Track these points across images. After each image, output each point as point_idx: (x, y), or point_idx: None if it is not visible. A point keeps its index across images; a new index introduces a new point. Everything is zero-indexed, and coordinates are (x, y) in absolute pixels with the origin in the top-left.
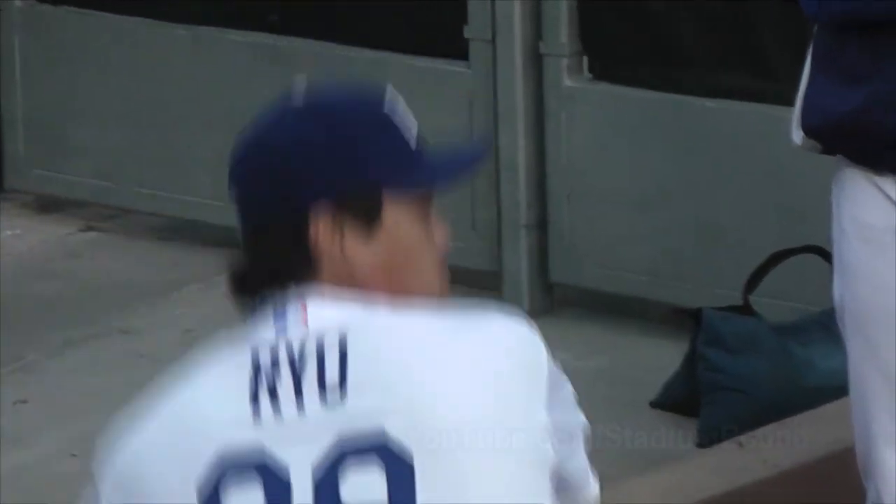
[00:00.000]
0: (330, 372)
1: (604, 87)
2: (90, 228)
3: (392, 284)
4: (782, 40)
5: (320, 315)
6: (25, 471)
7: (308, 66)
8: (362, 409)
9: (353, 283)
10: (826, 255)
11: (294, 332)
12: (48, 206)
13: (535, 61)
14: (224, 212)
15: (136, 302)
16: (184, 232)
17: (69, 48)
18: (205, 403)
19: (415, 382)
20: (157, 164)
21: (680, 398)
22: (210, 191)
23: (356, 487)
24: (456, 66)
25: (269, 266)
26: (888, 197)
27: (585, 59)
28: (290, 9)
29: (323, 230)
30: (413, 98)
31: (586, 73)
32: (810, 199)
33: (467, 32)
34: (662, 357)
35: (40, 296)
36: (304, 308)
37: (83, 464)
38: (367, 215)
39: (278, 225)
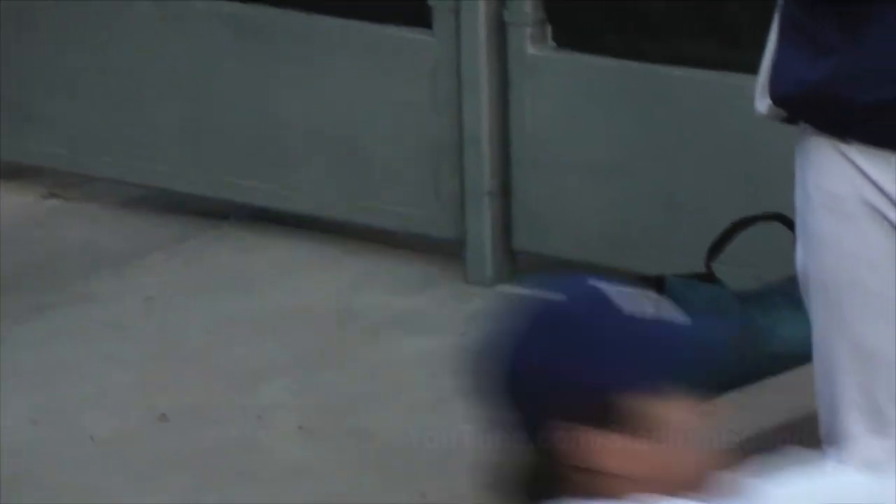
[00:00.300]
0: None
1: (568, 56)
2: (54, 196)
3: None
4: (748, 9)
5: None
6: None
7: (272, 36)
8: None
9: None
10: (789, 223)
11: None
12: (14, 174)
13: (499, 30)
14: (186, 180)
15: (100, 270)
16: (147, 200)
17: (37, 23)
18: None
19: None
20: (122, 133)
21: None
22: (173, 160)
23: None
24: (420, 35)
25: None
26: (854, 165)
27: (549, 28)
28: None
29: None
30: (377, 67)
31: (550, 42)
32: (773, 167)
33: (431, 0)
34: None
35: (4, 264)
36: None
37: (45, 431)
38: None
39: None
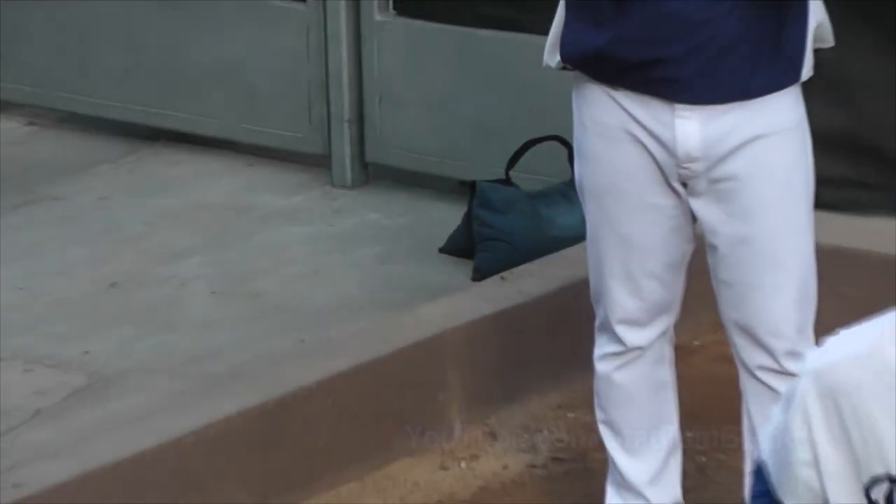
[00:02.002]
0: None
1: (405, 21)
2: (31, 123)
3: None
4: None
5: None
6: None
7: (184, 2)
8: None
9: None
10: (565, 143)
11: None
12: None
13: (355, 1)
14: (128, 111)
15: (64, 176)
16: (98, 126)
17: None
18: None
19: None
20: (79, 76)
21: (461, 246)
22: (118, 96)
23: None
24: (296, 5)
25: None
26: (619, 105)
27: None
28: None
29: None
30: (266, 27)
31: (391, 10)
32: (553, 103)
33: None
34: (449, 217)
35: None
36: None
37: (26, 295)
38: None
39: None
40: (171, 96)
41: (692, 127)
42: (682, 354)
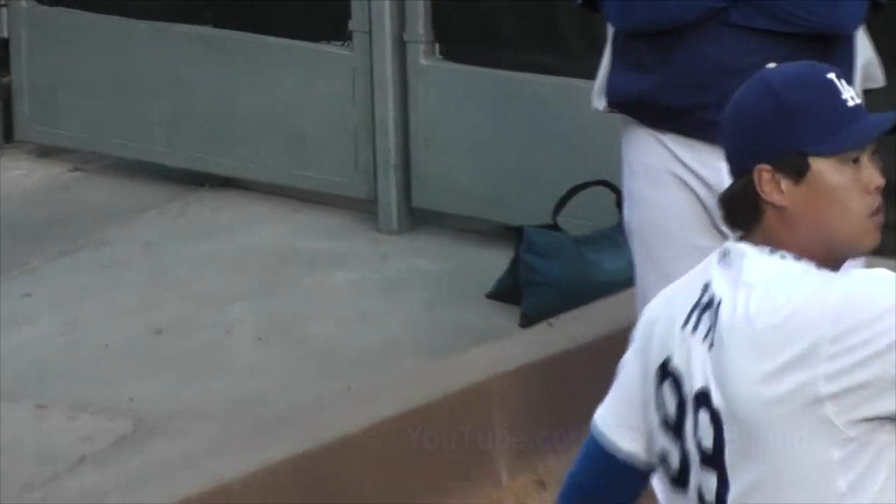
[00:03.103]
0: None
1: (450, 65)
2: (77, 169)
3: (819, 225)
4: (578, 28)
5: (747, 270)
6: (30, 343)
7: (234, 50)
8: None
9: (787, 227)
10: (612, 187)
11: (722, 280)
12: (46, 153)
13: (400, 46)
14: (174, 157)
15: (110, 222)
16: (144, 172)
17: (62, 36)
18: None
19: None
20: (126, 122)
21: (507, 291)
22: (164, 141)
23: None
24: (343, 50)
25: (727, 209)
26: (666, 147)
27: (437, 45)
28: (221, 8)
29: (764, 183)
30: (312, 72)
31: (437, 55)
32: (599, 146)
33: (351, 25)
34: (495, 262)
35: (40, 218)
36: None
37: (71, 340)
38: (797, 173)
39: (735, 177)
40: (219, 142)
41: None
42: None
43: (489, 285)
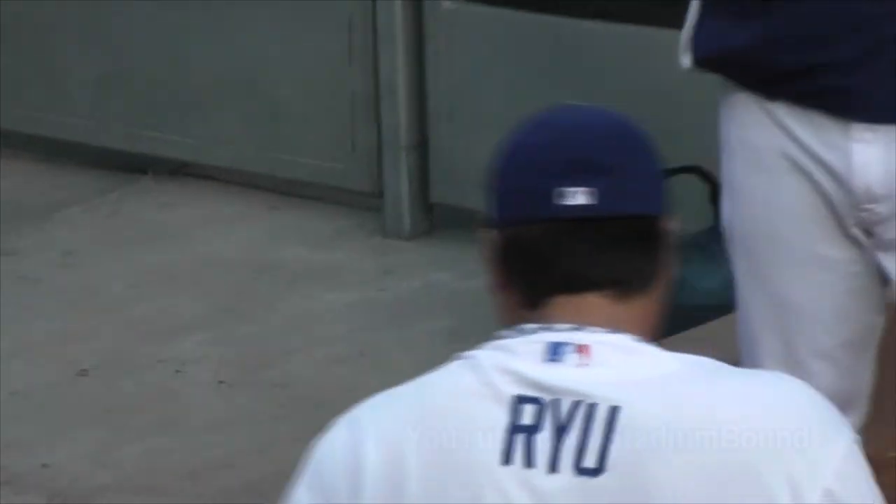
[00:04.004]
0: (591, 447)
1: (482, 9)
2: None
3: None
4: None
5: (602, 369)
6: None
7: None
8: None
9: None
10: (705, 175)
11: (567, 386)
12: None
13: None
14: (104, 134)
15: (16, 224)
16: (63, 154)
17: None
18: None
19: None
20: (35, 85)
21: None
22: (89, 113)
23: None
24: None
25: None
26: (778, 122)
27: None
28: None
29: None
30: (291, 16)
31: None
32: (687, 119)
33: None
34: None
35: None
36: (586, 352)
37: None
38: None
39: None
40: (164, 114)
41: (874, 154)
42: (874, 468)
43: None
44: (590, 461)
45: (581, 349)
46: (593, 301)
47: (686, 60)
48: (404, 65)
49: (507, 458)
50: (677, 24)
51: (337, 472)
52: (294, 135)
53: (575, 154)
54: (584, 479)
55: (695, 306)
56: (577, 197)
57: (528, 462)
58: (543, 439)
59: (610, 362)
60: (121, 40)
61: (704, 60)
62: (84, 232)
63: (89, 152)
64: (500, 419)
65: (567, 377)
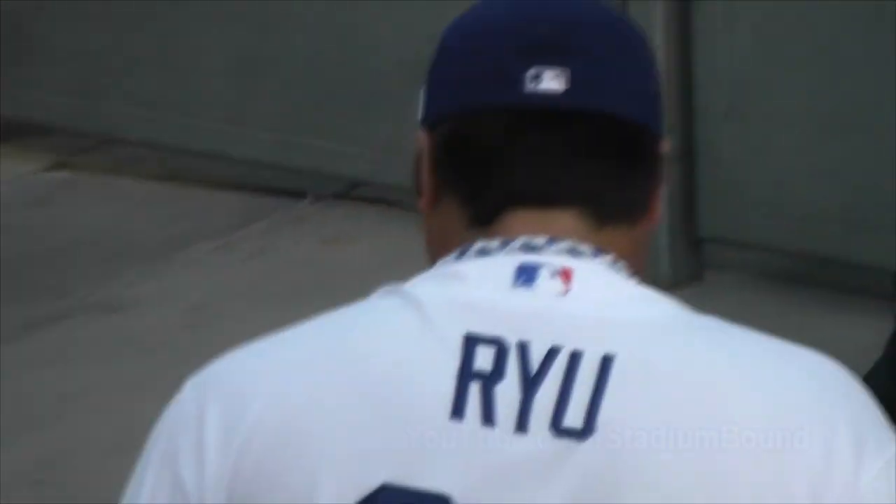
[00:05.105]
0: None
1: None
2: (62, 166)
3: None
4: None
5: (588, 301)
6: None
7: None
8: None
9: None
10: None
11: (540, 323)
12: (12, 132)
13: None
14: (241, 141)
15: (124, 267)
16: (189, 171)
17: None
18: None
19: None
20: (153, 74)
21: (884, 395)
22: (221, 111)
23: None
24: None
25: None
26: None
27: None
28: None
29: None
30: None
31: None
32: None
33: None
34: (860, 339)
35: None
36: (567, 278)
37: (51, 493)
38: None
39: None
40: (326, 116)
41: None
42: None
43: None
44: (573, 419)
45: (564, 273)
46: (562, 219)
47: None
48: (668, 48)
49: (456, 411)
50: None
51: (190, 444)
52: None
53: (547, 29)
54: (566, 443)
55: None
56: (545, 80)
57: (487, 418)
58: (506, 390)
59: (597, 294)
60: (263, 16)
61: None
62: (217, 278)
63: (223, 167)
64: (446, 364)
65: (541, 310)
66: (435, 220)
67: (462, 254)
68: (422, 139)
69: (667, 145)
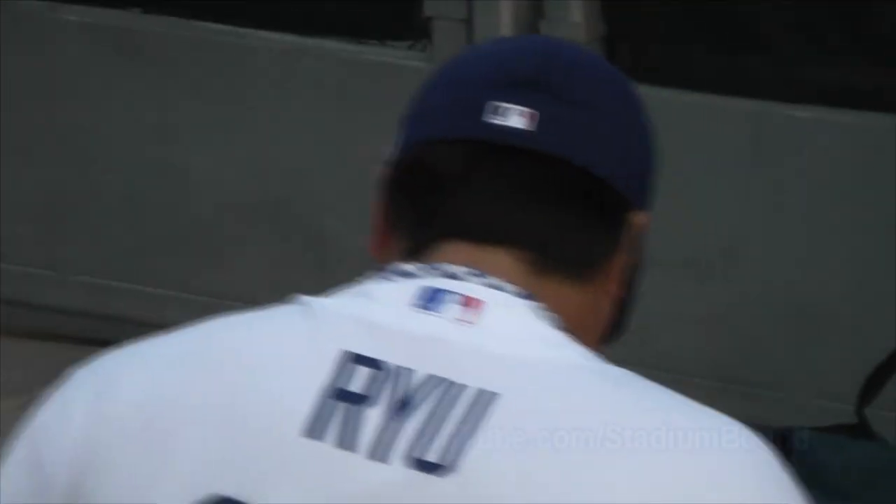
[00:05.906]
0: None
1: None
2: None
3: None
4: None
5: (489, 335)
6: None
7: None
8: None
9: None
10: None
11: (429, 348)
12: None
13: None
14: (55, 289)
15: None
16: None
17: None
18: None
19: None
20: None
21: None
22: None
23: None
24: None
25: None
26: None
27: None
28: None
29: (639, 233)
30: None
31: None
32: None
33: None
34: None
35: None
36: (473, 307)
37: None
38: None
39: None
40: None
41: None
42: None
43: None
44: (436, 454)
45: (469, 302)
46: (498, 257)
47: None
48: None
49: (313, 430)
50: None
51: (61, 449)
52: None
53: (521, 71)
54: (423, 477)
55: None
56: (511, 116)
57: (344, 441)
58: (372, 415)
59: (503, 329)
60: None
61: None
62: None
63: (29, 315)
64: (313, 380)
65: (435, 336)
66: (384, 254)
67: (384, 274)
68: (383, 173)
69: (643, 218)
